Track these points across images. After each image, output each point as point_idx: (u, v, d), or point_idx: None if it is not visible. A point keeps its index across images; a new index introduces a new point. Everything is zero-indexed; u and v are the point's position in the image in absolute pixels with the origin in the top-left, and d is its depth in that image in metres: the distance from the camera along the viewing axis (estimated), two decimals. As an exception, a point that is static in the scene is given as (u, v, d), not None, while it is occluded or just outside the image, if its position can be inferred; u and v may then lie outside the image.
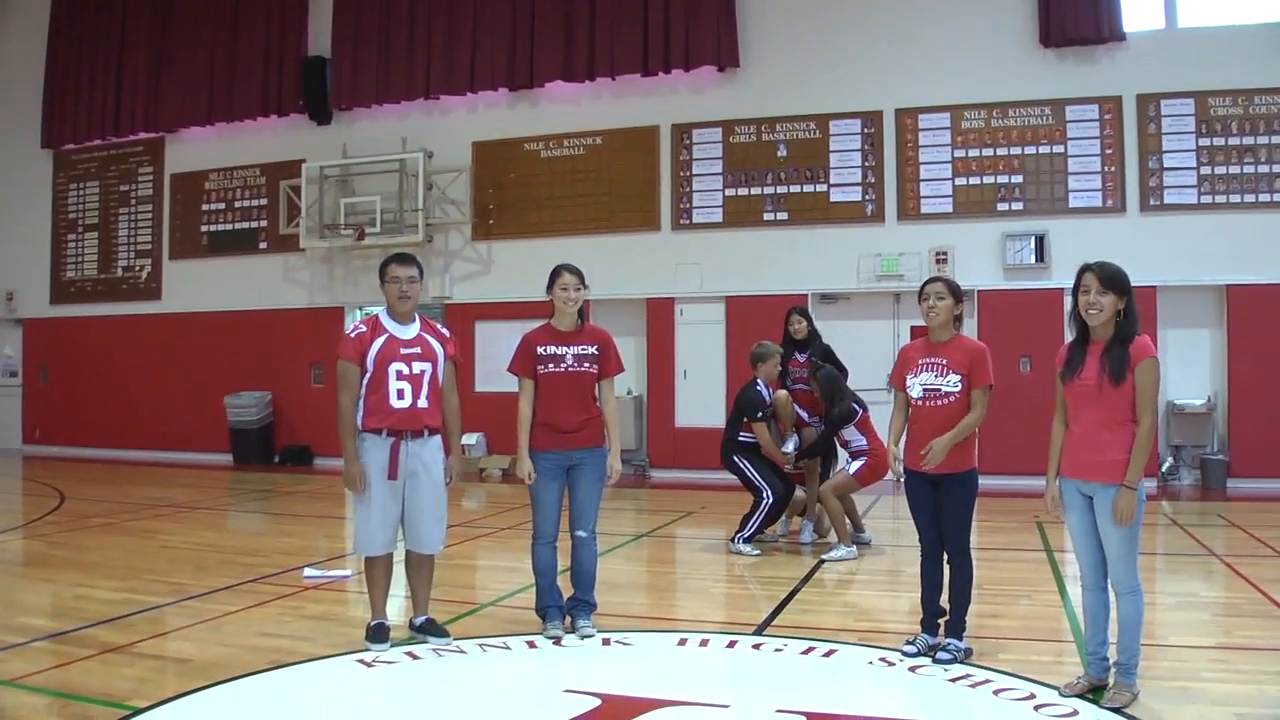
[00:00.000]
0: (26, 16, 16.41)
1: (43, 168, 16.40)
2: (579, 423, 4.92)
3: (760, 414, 7.26)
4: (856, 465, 7.15)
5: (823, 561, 6.84)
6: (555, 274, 5.00)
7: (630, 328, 12.57)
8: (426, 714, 4.04)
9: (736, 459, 7.34)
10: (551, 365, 4.91)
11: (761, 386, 7.35)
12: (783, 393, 7.54)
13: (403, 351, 4.74)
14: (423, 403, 4.75)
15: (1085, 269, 3.97)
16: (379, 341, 4.73)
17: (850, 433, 7.20)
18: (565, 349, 4.93)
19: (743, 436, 7.36)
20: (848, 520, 7.24)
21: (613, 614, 5.35)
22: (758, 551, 7.16)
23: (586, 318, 5.17)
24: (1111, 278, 3.90)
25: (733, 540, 7.26)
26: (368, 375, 4.72)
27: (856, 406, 7.17)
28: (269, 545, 8.07)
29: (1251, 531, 8.11)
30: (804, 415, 7.66)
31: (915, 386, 4.57)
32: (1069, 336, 4.21)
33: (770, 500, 7.19)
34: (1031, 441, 10.15)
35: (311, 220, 13.88)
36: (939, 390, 4.50)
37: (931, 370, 4.53)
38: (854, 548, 7.04)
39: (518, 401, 4.96)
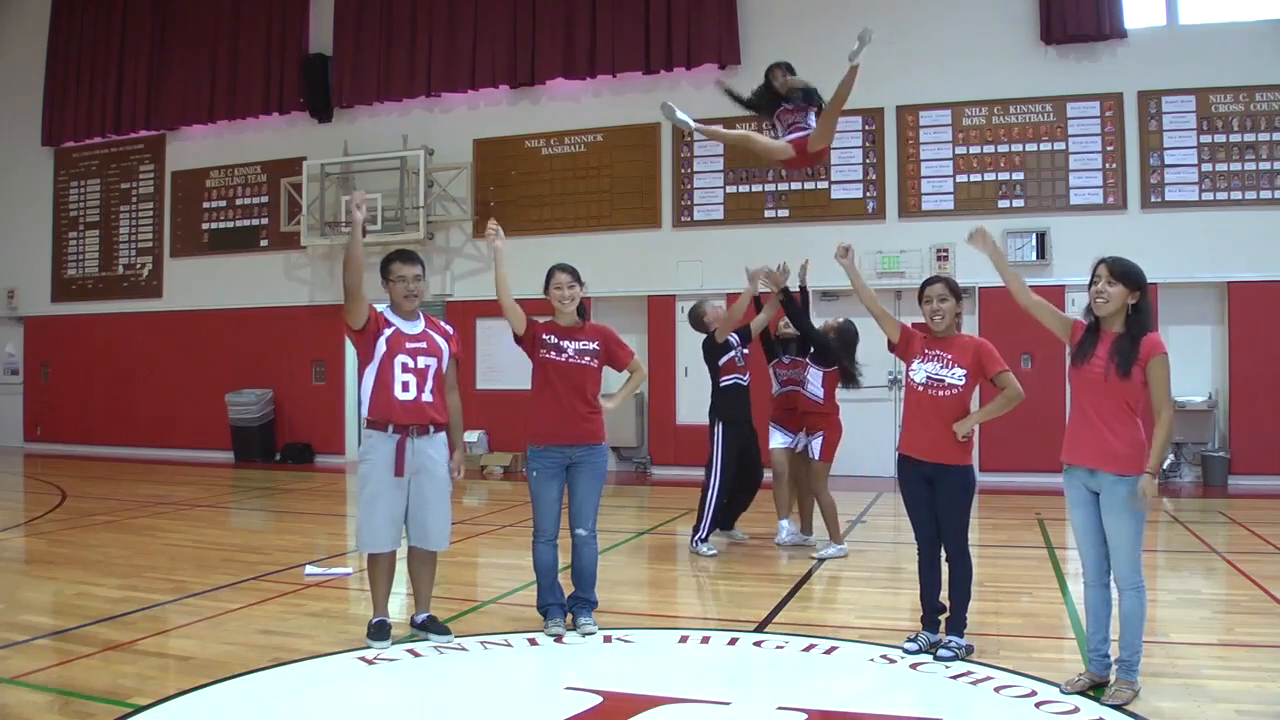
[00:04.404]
0: (27, 14, 16.41)
1: (44, 165, 16.41)
2: (578, 416, 4.93)
3: (732, 350, 7.07)
4: (817, 446, 7.04)
5: (821, 560, 6.82)
6: (549, 274, 5.05)
7: (631, 325, 12.56)
8: (428, 711, 4.04)
9: (716, 427, 7.09)
10: (553, 354, 4.94)
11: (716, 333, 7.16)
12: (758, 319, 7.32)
13: (408, 345, 4.74)
14: (427, 397, 4.76)
15: (1100, 260, 4.02)
16: (387, 331, 4.74)
17: (814, 380, 7.07)
18: (567, 342, 4.96)
19: (724, 380, 7.14)
20: (796, 516, 7.19)
21: (614, 611, 5.36)
22: (714, 551, 7.04)
23: (588, 315, 5.18)
24: (1123, 271, 3.95)
25: (692, 543, 7.13)
26: (373, 364, 4.71)
27: (847, 365, 7.04)
28: (270, 543, 8.08)
29: (1253, 528, 8.11)
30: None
31: (919, 371, 4.57)
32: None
33: (716, 487, 7.02)
34: (1032, 438, 10.21)
35: (313, 218, 13.88)
36: (943, 381, 4.50)
37: (937, 361, 4.53)
38: (844, 545, 7.00)
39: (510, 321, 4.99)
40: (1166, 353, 3.91)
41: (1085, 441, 4.00)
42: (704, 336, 7.29)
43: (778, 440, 7.38)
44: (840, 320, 7.30)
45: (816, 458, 7.07)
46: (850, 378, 7.12)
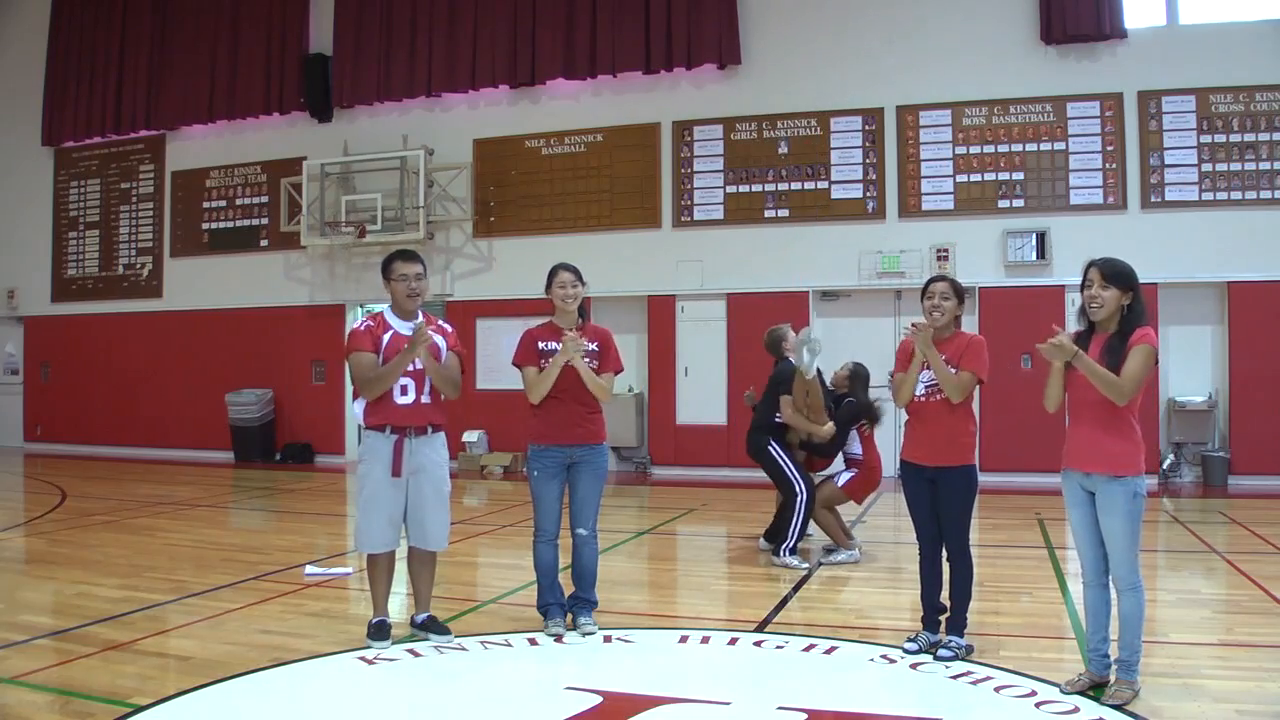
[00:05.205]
0: (28, 14, 16.42)
1: (44, 165, 16.41)
2: (578, 417, 4.94)
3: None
4: (846, 477, 6.98)
5: (820, 564, 6.78)
6: (552, 273, 5.04)
7: (631, 325, 12.57)
8: (428, 711, 4.03)
9: (772, 448, 6.82)
10: (552, 360, 4.92)
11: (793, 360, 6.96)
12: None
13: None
14: (426, 399, 4.77)
15: (1090, 264, 4.01)
16: (386, 337, 4.75)
17: (850, 438, 7.04)
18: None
19: (779, 417, 6.86)
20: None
21: (614, 611, 5.36)
22: (806, 565, 6.71)
23: (588, 315, 5.18)
24: (1114, 273, 3.94)
25: (778, 553, 6.78)
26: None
27: (863, 418, 6.97)
28: (270, 542, 8.08)
29: (1252, 528, 8.11)
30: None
31: (918, 384, 4.57)
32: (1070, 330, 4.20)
33: (805, 495, 6.75)
34: (1032, 439, 10.21)
35: (312, 218, 13.88)
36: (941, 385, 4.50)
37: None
38: (855, 550, 6.90)
39: (526, 391, 4.95)
40: (1155, 346, 3.90)
41: (1080, 444, 4.00)
42: (776, 361, 7.04)
43: None
44: (847, 369, 7.15)
45: (839, 484, 6.95)
46: (875, 419, 7.02)
